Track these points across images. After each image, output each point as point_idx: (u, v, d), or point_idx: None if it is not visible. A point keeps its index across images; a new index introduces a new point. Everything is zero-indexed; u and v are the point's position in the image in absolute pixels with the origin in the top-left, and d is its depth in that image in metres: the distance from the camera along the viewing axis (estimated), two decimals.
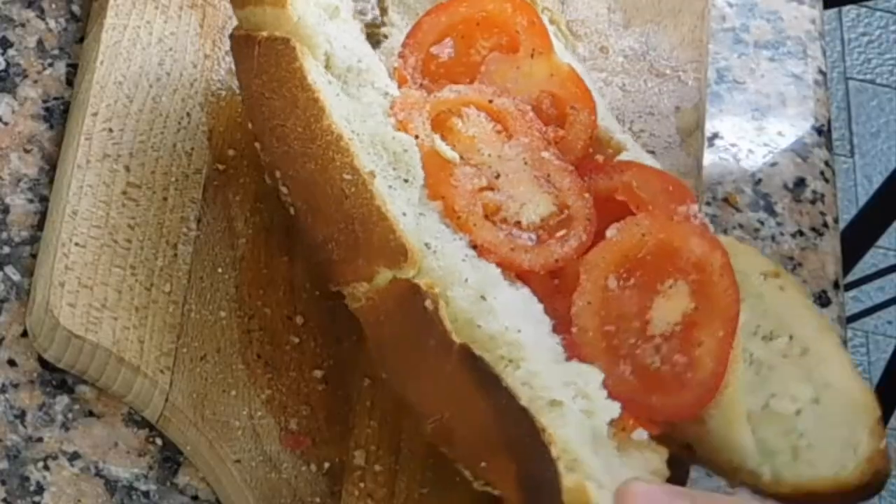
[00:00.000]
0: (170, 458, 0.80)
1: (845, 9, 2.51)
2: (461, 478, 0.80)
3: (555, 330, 0.76)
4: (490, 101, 0.81)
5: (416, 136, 0.78)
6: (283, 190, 0.78)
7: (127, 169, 0.83)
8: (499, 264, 0.77)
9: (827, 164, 1.02)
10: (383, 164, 0.77)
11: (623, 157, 0.82)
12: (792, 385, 0.77)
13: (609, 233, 0.78)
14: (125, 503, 0.79)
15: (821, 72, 1.05)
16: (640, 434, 0.74)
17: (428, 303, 0.72)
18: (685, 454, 0.78)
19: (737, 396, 0.76)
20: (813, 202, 1.00)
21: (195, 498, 0.80)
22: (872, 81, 2.50)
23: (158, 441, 0.80)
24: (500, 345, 0.73)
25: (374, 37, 0.86)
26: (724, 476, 0.78)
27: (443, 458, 0.79)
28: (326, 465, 0.79)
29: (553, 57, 0.84)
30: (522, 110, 0.81)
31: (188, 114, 0.85)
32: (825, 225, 0.99)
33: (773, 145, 1.02)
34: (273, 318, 0.82)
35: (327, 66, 0.79)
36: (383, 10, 0.88)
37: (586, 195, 0.79)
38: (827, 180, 1.01)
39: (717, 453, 0.77)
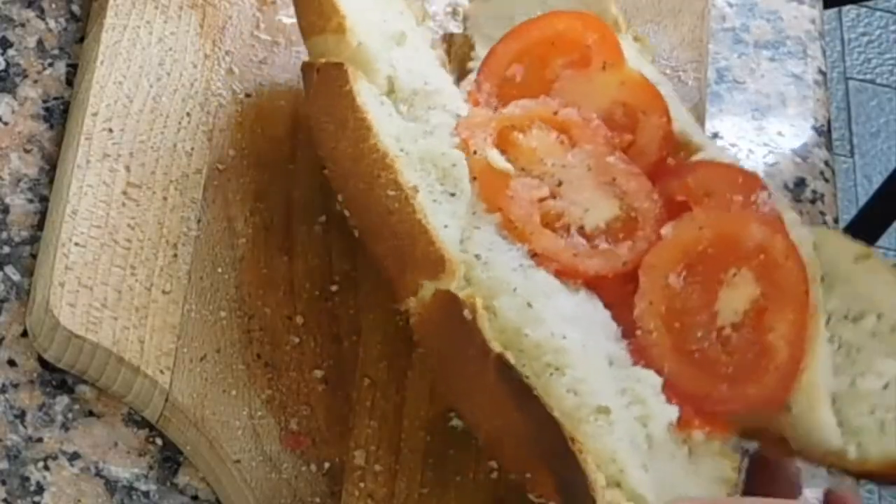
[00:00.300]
0: (170, 458, 0.80)
1: (845, 9, 2.51)
2: (461, 478, 0.80)
3: (624, 335, 0.75)
4: (555, 113, 0.80)
5: (475, 152, 0.78)
6: (346, 213, 0.79)
7: (127, 169, 0.83)
8: (560, 272, 0.76)
9: (827, 164, 1.02)
10: (430, 180, 0.77)
11: (698, 157, 0.82)
12: (878, 361, 0.76)
13: (664, 231, 0.77)
14: (125, 503, 0.79)
15: (821, 72, 1.05)
16: (700, 435, 0.74)
17: (466, 312, 0.72)
18: (781, 449, 0.77)
19: (816, 378, 0.75)
20: (813, 202, 1.00)
21: (195, 498, 0.80)
22: (872, 81, 2.50)
23: (158, 441, 0.80)
24: (545, 352, 0.72)
25: (461, 71, 0.86)
26: (816, 462, 0.77)
27: (443, 458, 0.79)
28: (326, 465, 0.79)
29: (624, 67, 0.83)
30: (588, 119, 0.80)
31: (188, 114, 0.85)
32: (825, 225, 0.99)
33: (773, 145, 1.02)
34: (273, 318, 0.82)
35: (391, 90, 0.80)
36: (470, 46, 0.88)
37: (655, 196, 0.78)
38: (827, 180, 1.01)
39: (805, 439, 0.76)
